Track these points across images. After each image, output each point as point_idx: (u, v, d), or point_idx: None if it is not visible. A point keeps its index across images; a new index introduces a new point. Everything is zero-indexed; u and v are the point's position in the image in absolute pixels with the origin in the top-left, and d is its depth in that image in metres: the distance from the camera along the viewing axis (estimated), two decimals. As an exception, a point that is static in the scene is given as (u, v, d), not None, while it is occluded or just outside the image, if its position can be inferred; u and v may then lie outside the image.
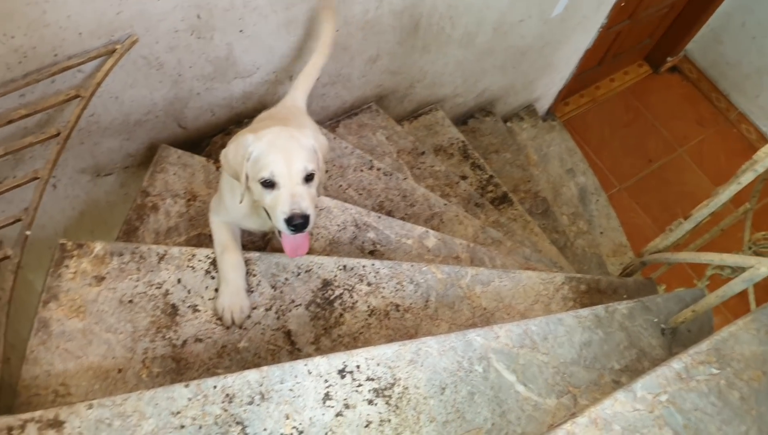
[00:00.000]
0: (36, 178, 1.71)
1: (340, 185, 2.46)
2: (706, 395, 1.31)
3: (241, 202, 1.53)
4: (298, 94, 2.04)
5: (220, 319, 1.61)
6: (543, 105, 4.29)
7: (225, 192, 1.67)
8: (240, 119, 2.50)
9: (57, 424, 1.22)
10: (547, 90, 4.09)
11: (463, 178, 3.21)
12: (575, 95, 4.78)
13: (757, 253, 1.88)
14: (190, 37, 2.01)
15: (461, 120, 3.74)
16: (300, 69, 2.16)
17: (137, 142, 2.30)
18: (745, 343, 1.44)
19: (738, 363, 1.39)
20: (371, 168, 2.52)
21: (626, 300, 1.60)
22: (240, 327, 1.62)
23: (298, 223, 1.42)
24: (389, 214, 2.45)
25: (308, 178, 1.46)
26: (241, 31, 2.10)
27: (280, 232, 1.49)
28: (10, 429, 1.21)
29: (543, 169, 4.00)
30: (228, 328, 1.61)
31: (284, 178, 1.44)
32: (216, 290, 1.64)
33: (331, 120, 2.92)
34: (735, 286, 1.49)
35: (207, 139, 2.49)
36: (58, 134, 1.76)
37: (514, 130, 4.07)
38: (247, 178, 1.48)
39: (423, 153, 2.93)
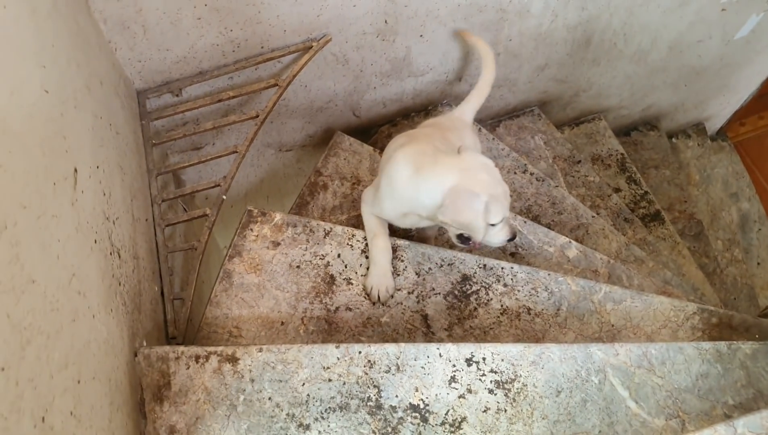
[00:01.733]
0: (235, 152, 2.03)
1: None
2: None
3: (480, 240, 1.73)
4: (467, 108, 2.22)
5: (368, 294, 1.85)
6: (714, 124, 4.13)
7: (385, 196, 1.81)
8: (408, 113, 2.72)
9: (233, 359, 1.51)
10: (720, 110, 3.94)
11: (617, 190, 3.23)
12: (753, 116, 4.52)
13: None
14: (375, 39, 2.24)
15: (624, 131, 3.72)
16: (469, 73, 2.34)
17: (316, 126, 2.59)
18: None
19: None
20: (525, 172, 2.64)
21: (755, 341, 1.64)
22: (384, 304, 1.84)
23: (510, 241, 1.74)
24: (536, 218, 2.57)
25: None
26: (420, 36, 2.31)
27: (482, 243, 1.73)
28: (197, 357, 1.51)
29: (703, 191, 3.88)
30: (374, 303, 1.84)
31: (502, 220, 1.67)
32: (367, 269, 1.88)
33: (492, 119, 3.07)
34: None
35: (376, 128, 2.74)
36: (257, 116, 2.06)
37: (678, 146, 3.97)
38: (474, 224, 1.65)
39: (579, 162, 3.00)
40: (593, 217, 2.58)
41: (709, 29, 2.96)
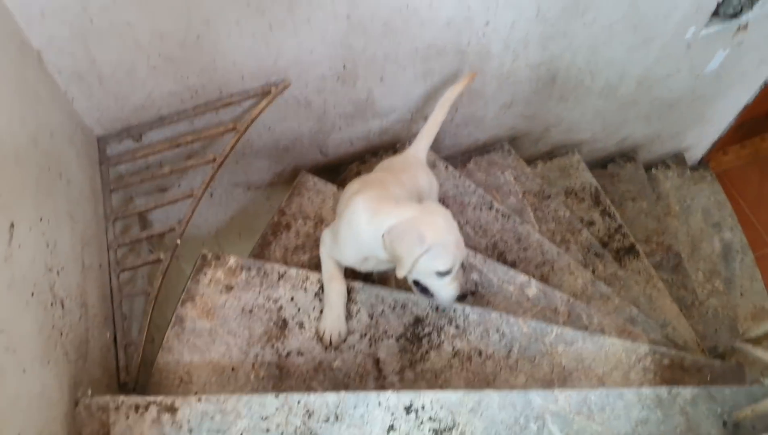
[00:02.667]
0: (191, 196, 2.05)
1: (458, 221, 2.62)
2: None
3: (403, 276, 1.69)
4: (420, 147, 2.27)
5: (320, 338, 1.86)
6: (694, 154, 4.15)
7: (345, 241, 1.82)
8: (376, 150, 2.76)
9: (172, 409, 1.52)
10: (698, 141, 3.97)
11: (591, 224, 3.25)
12: (736, 145, 4.54)
13: None
14: (336, 83, 2.28)
15: (600, 164, 3.75)
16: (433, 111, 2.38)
17: (283, 164, 2.62)
18: None
19: None
20: (491, 208, 2.66)
21: (695, 386, 1.64)
22: (336, 348, 1.85)
23: (460, 298, 1.74)
24: (501, 255, 2.58)
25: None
26: (381, 79, 2.34)
27: (433, 298, 1.75)
28: (137, 407, 1.52)
29: (684, 221, 3.89)
30: (326, 348, 1.85)
31: (454, 270, 1.68)
32: (321, 312, 1.89)
33: (463, 155, 3.10)
34: None
35: (345, 166, 2.77)
36: (213, 160, 2.09)
37: (658, 177, 3.99)
38: (413, 263, 1.63)
39: (549, 196, 3.02)
40: (558, 253, 2.59)
41: (676, 64, 3.00)
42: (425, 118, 2.66)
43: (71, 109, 1.91)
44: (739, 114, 3.75)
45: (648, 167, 3.98)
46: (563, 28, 2.47)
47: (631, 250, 3.19)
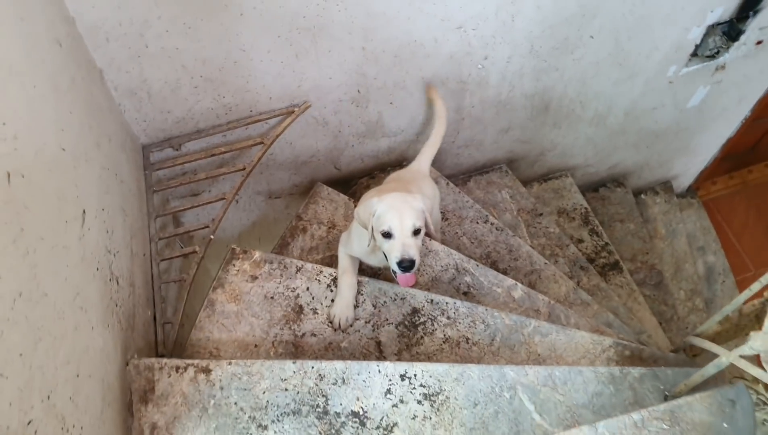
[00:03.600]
0: (223, 199, 2.37)
1: (456, 232, 2.93)
2: None
3: (368, 245, 2.01)
4: (423, 160, 2.57)
5: (330, 322, 2.16)
6: (682, 182, 4.43)
7: (354, 235, 2.17)
8: (384, 167, 3.07)
9: (207, 371, 1.82)
10: (685, 170, 4.25)
11: (580, 241, 3.53)
12: (725, 176, 4.82)
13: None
14: (350, 105, 2.60)
15: (593, 187, 4.04)
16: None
17: (302, 176, 2.94)
18: (697, 411, 1.71)
19: (686, 425, 1.67)
20: (486, 221, 2.96)
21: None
22: (344, 331, 2.15)
23: (406, 265, 1.88)
24: (494, 263, 2.87)
25: (416, 232, 1.92)
26: (390, 103, 2.66)
27: (393, 271, 1.98)
28: (177, 368, 1.82)
29: (669, 244, 4.16)
30: (335, 330, 2.15)
31: (398, 231, 1.90)
32: (332, 301, 2.19)
33: (464, 174, 3.40)
34: (707, 370, 1.78)
35: (356, 180, 3.08)
36: (243, 169, 2.41)
37: (647, 202, 4.28)
38: (372, 228, 1.97)
39: (541, 214, 3.31)
40: (546, 263, 2.88)
41: (660, 98, 3.30)
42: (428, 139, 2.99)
43: (123, 120, 2.24)
44: (722, 147, 4.03)
45: (638, 193, 4.27)
46: (554, 63, 2.79)
47: (615, 266, 3.47)
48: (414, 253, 1.87)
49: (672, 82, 3.17)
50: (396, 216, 1.89)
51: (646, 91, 3.20)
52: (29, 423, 1.18)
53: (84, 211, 1.65)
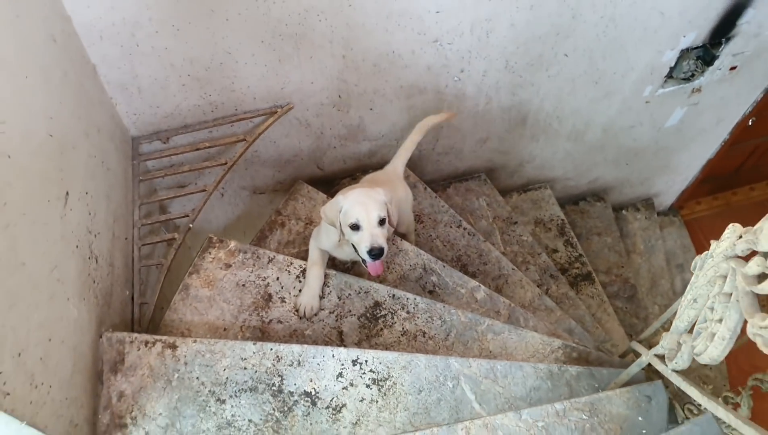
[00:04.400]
0: (203, 191, 2.52)
1: (430, 235, 3.07)
2: (572, 431, 1.75)
3: (339, 240, 2.16)
4: (397, 163, 2.71)
5: (297, 311, 2.30)
6: (664, 200, 4.55)
7: (323, 231, 2.31)
8: (365, 169, 3.21)
9: (173, 347, 1.96)
10: (667, 188, 4.37)
11: (555, 251, 3.67)
12: (709, 196, 4.93)
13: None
14: (332, 109, 2.74)
15: (573, 200, 4.17)
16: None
17: (285, 174, 3.09)
18: (615, 405, 1.85)
19: (604, 416, 1.80)
20: (459, 226, 3.10)
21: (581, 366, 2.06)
22: (309, 320, 2.29)
23: (376, 253, 2.03)
24: (464, 266, 3.01)
25: (381, 222, 2.07)
26: (371, 109, 2.81)
27: (364, 260, 2.12)
28: (147, 342, 1.97)
29: (646, 259, 4.28)
30: (301, 318, 2.29)
31: (365, 222, 2.05)
32: (300, 290, 2.33)
33: (444, 181, 3.55)
34: (631, 369, 1.92)
35: (338, 180, 3.23)
36: (225, 163, 2.56)
37: (627, 218, 4.40)
38: (340, 224, 2.11)
39: (515, 223, 3.45)
40: (513, 269, 3.02)
41: (638, 117, 3.42)
42: (407, 142, 3.13)
43: (114, 113, 2.39)
44: (703, 167, 4.15)
45: (619, 208, 4.40)
46: (530, 79, 2.93)
47: (587, 277, 3.60)
48: (382, 242, 2.02)
49: (649, 102, 3.30)
50: (362, 209, 2.03)
51: (623, 110, 3.33)
52: (-1, 375, 1.33)
53: (67, 193, 1.81)
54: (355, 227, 2.05)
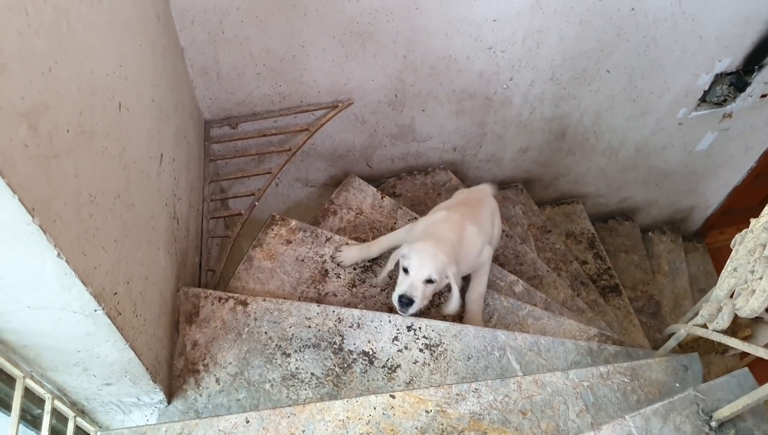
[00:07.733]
0: (268, 173, 2.72)
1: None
2: (615, 392, 1.88)
3: (384, 274, 2.34)
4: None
5: (334, 257, 2.50)
6: (689, 226, 4.68)
7: (413, 232, 2.43)
8: (411, 170, 3.40)
9: (245, 303, 2.14)
10: (693, 213, 4.50)
11: (584, 263, 3.82)
12: (732, 227, 5.04)
13: None
14: (387, 108, 2.94)
15: (602, 218, 4.32)
16: (461, 147, 3.01)
17: (337, 169, 3.28)
18: (655, 371, 1.99)
19: (644, 381, 1.94)
20: (498, 229, 3.27)
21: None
22: (339, 265, 2.49)
23: (405, 301, 2.12)
24: (501, 265, 3.16)
25: (428, 281, 2.16)
26: (423, 110, 3.00)
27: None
28: (220, 298, 2.15)
29: (671, 280, 4.40)
30: (332, 259, 2.48)
31: (414, 272, 2.16)
32: (354, 269, 2.50)
33: (483, 188, 3.72)
34: (669, 344, 2.06)
35: (384, 178, 3.42)
36: (289, 150, 2.76)
37: (653, 240, 4.54)
38: (399, 263, 2.22)
39: (549, 231, 3.61)
40: (547, 271, 3.17)
41: (670, 138, 3.59)
42: (454, 149, 3.32)
43: (194, 94, 2.60)
44: (728, 195, 4.29)
45: (645, 230, 4.53)
46: (573, 92, 3.12)
47: (615, 289, 3.74)
48: (417, 295, 2.11)
49: (682, 124, 3.47)
50: (417, 260, 2.15)
51: (657, 130, 3.50)
52: (115, 294, 1.51)
53: (162, 155, 2.00)
54: (405, 271, 2.17)
